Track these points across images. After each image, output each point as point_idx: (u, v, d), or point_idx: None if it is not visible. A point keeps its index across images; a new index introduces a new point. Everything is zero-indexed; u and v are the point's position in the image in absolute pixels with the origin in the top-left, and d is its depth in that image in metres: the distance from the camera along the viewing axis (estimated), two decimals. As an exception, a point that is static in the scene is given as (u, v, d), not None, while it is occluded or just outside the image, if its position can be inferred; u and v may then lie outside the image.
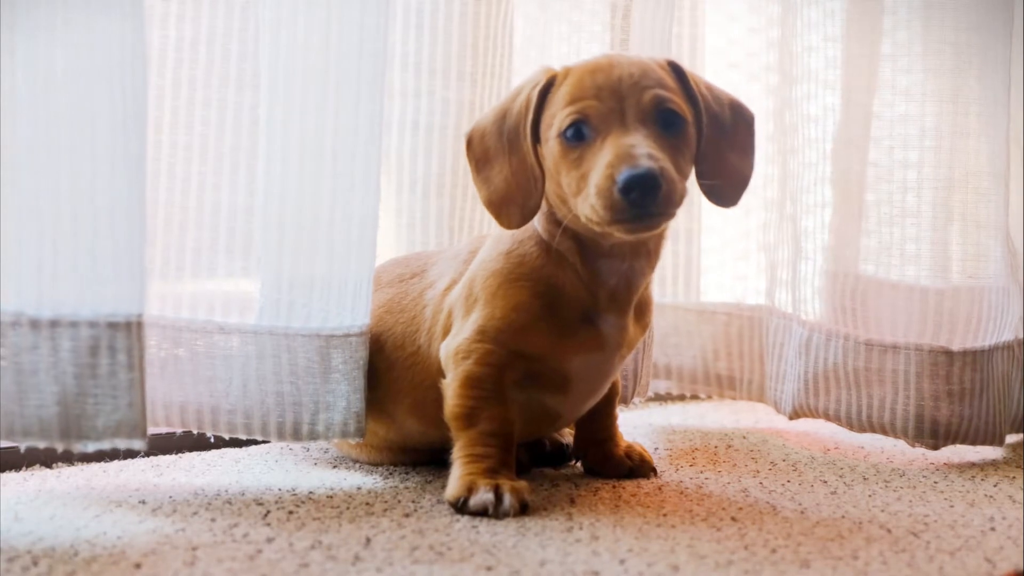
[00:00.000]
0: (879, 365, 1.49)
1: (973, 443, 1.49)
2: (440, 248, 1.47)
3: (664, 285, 1.74)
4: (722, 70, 1.77)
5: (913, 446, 1.49)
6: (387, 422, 1.30)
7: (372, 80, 1.25)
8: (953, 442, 1.48)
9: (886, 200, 1.52)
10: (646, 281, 1.23)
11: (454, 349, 1.20)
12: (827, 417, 1.54)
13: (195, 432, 1.28)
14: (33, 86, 1.06)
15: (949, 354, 1.47)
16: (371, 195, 1.26)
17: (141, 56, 1.10)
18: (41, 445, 1.08)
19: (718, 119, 1.20)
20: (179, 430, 1.28)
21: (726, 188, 1.21)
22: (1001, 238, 1.53)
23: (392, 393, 1.28)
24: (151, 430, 1.35)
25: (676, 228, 1.71)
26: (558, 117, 1.14)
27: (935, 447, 1.48)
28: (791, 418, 1.58)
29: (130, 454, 1.36)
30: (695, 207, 1.72)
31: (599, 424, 1.33)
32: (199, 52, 1.27)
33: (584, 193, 1.10)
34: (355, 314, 1.26)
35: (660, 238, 1.22)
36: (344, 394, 1.25)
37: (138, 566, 0.95)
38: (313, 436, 1.26)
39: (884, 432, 1.50)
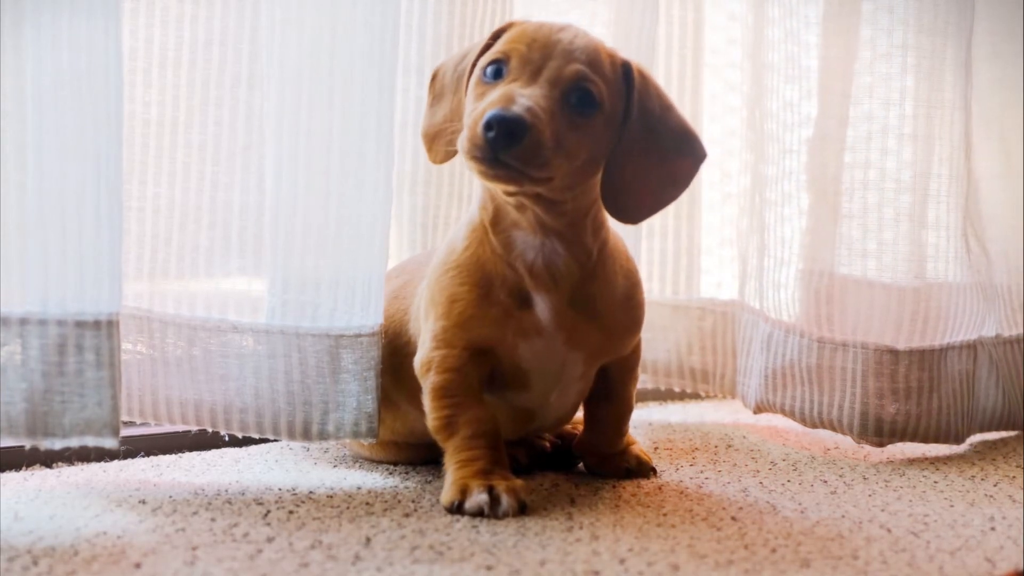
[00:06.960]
0: (830, 363, 1.51)
1: (924, 441, 1.50)
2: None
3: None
4: (721, 68, 1.77)
5: (859, 443, 1.50)
6: (393, 410, 1.31)
7: (381, 80, 1.24)
8: (900, 440, 1.49)
9: (846, 199, 1.53)
10: (572, 267, 1.18)
11: (420, 362, 1.21)
12: (783, 412, 1.56)
13: (209, 430, 1.28)
14: (3, 83, 1.06)
15: (894, 353, 1.48)
16: (382, 195, 1.26)
17: (116, 58, 1.10)
18: (8, 442, 1.08)
19: (652, 137, 1.16)
20: (194, 427, 1.29)
21: (631, 205, 1.17)
22: (956, 239, 1.53)
23: (395, 380, 1.29)
24: (163, 428, 1.36)
25: (651, 224, 1.71)
26: (488, 54, 1.15)
27: (880, 444, 1.49)
28: (755, 412, 1.60)
29: (130, 453, 1.36)
30: (682, 205, 1.73)
31: (605, 439, 1.32)
32: (212, 52, 1.27)
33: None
34: (365, 314, 1.26)
35: (573, 225, 1.17)
36: (354, 394, 1.25)
37: (138, 566, 0.95)
38: (323, 436, 1.26)
39: (833, 428, 1.51)
